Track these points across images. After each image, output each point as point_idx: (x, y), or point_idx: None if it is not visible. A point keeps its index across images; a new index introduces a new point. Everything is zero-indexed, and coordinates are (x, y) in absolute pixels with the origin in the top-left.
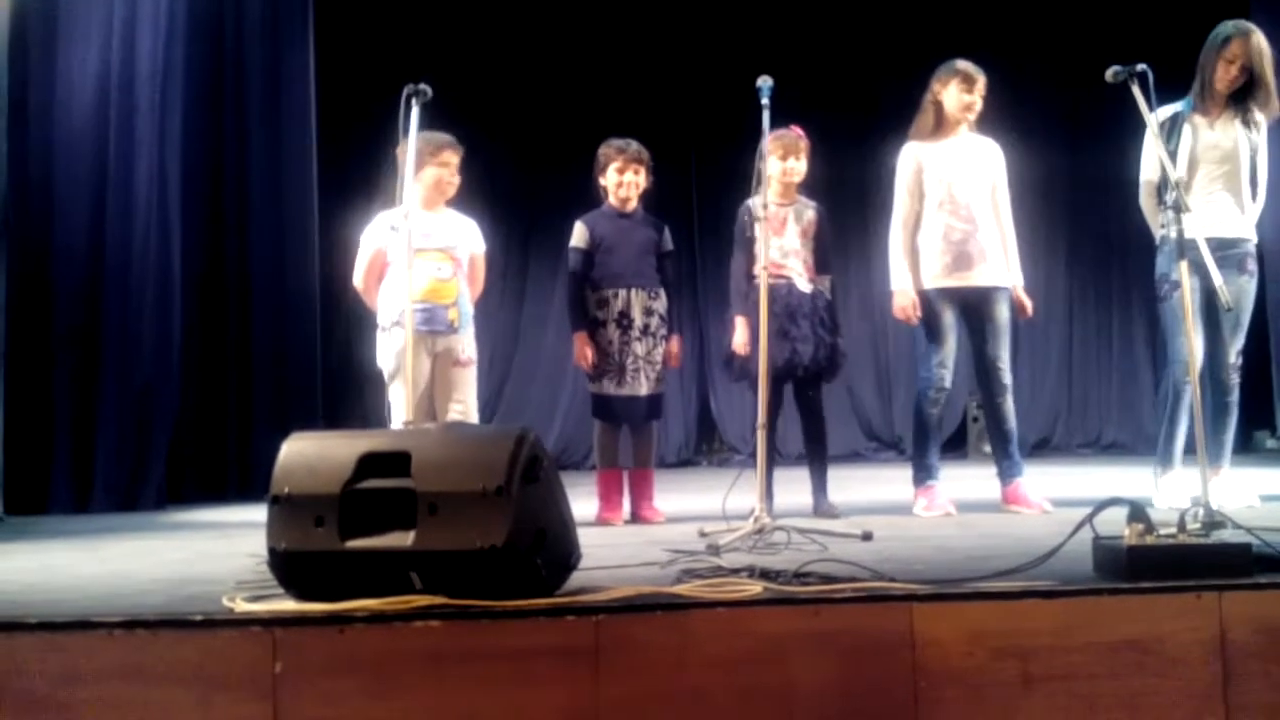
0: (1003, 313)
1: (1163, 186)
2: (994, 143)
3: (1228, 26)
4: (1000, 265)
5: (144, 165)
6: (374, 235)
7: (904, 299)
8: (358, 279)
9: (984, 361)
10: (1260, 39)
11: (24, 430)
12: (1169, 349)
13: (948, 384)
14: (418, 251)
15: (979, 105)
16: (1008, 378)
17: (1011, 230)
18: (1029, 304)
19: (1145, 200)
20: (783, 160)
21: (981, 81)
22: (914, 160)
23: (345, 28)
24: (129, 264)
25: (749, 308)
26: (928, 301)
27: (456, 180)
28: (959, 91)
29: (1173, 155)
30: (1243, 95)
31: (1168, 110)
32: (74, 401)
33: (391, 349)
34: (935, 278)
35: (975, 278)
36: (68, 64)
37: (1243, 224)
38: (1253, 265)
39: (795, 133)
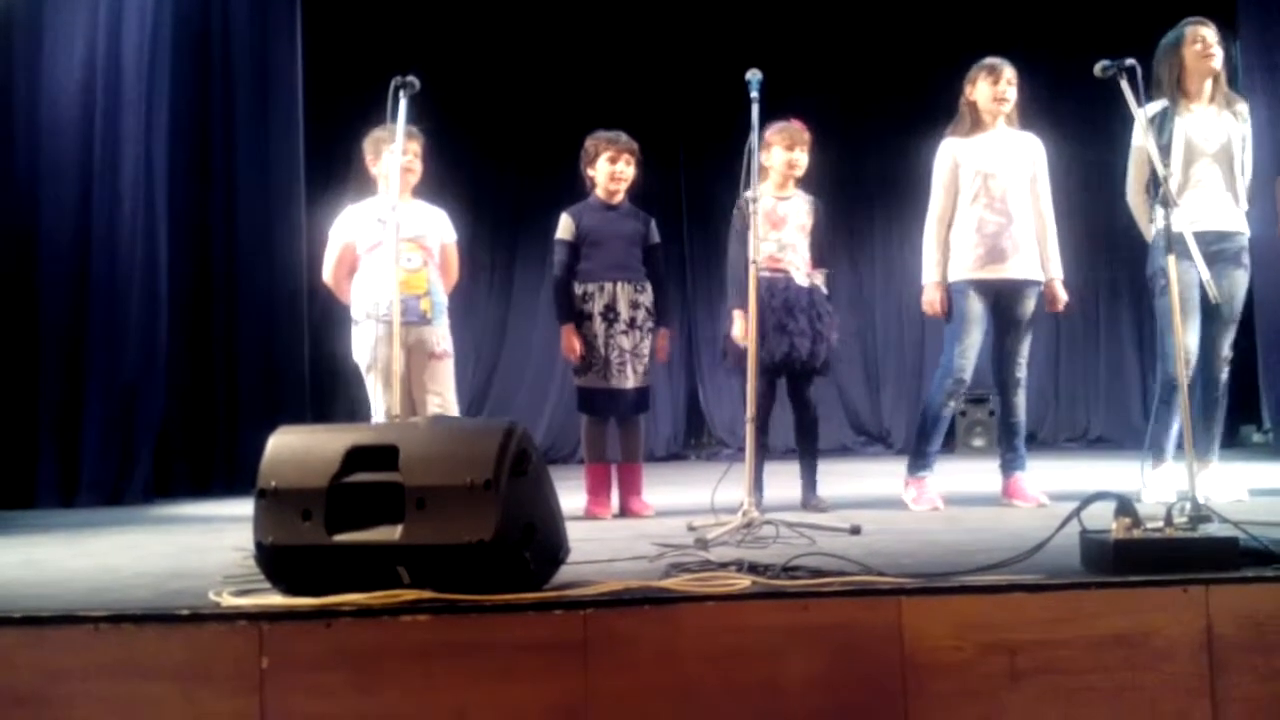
0: (1029, 308)
1: (1152, 182)
2: (1035, 137)
3: (1180, 26)
4: (1034, 259)
5: (130, 159)
6: (342, 229)
7: (932, 292)
8: (327, 274)
9: (1002, 353)
10: (1215, 29)
11: (9, 424)
12: (1163, 344)
13: (966, 376)
14: (383, 243)
15: (1011, 94)
16: (1022, 372)
17: (1052, 223)
18: (1064, 296)
19: (1134, 197)
20: (787, 151)
21: (1008, 72)
22: (950, 155)
23: (332, 22)
24: (115, 258)
25: (748, 300)
26: (957, 292)
27: (418, 168)
28: (987, 84)
29: (1166, 149)
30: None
31: (1157, 105)
32: (60, 395)
33: (365, 342)
34: (967, 269)
35: (1008, 270)
36: (53, 57)
37: (1236, 217)
38: (1246, 258)
39: (797, 125)
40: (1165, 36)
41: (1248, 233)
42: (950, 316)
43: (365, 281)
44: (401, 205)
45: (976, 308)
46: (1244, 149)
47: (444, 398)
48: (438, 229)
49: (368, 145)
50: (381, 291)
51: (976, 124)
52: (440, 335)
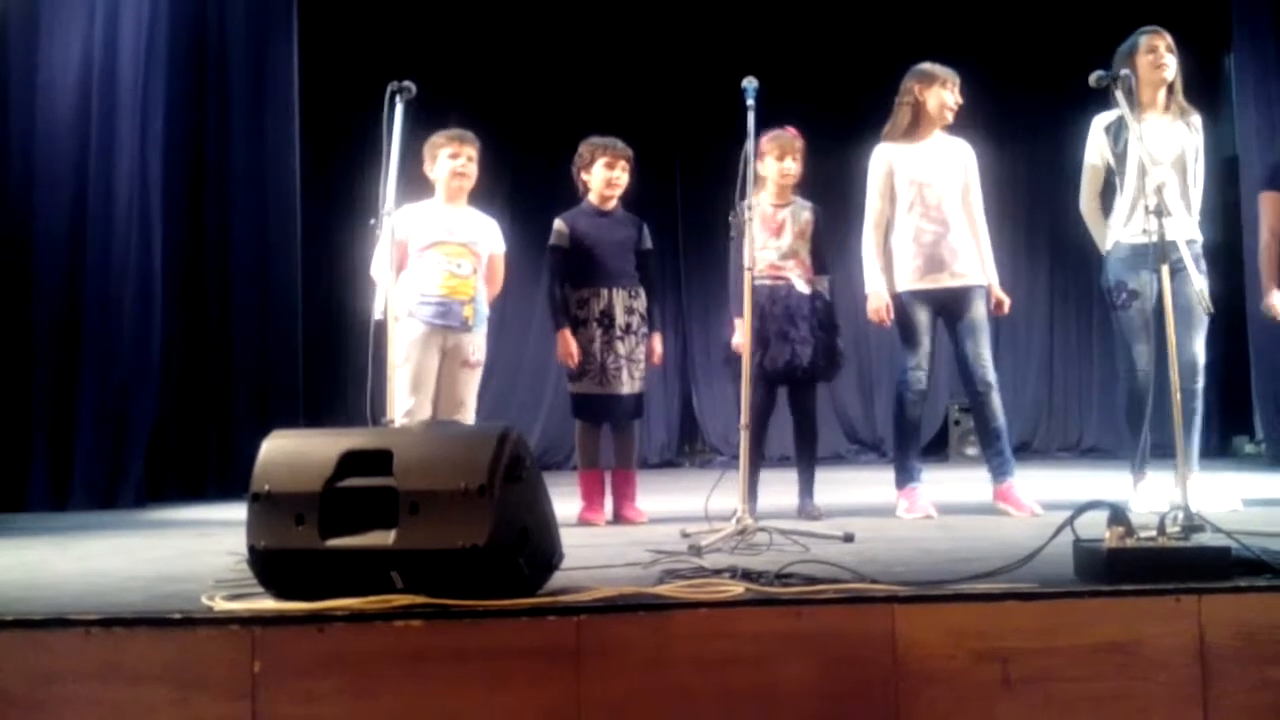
0: (979, 310)
1: (1106, 192)
2: (965, 143)
3: (1134, 35)
4: (974, 264)
5: (125, 162)
6: (396, 227)
7: (877, 301)
8: (375, 268)
9: (965, 360)
10: (1170, 39)
11: (1, 427)
12: (1128, 357)
13: (924, 386)
14: (436, 244)
15: (957, 107)
16: (991, 375)
17: (985, 230)
18: (1005, 299)
19: (1087, 205)
20: (779, 161)
21: (959, 82)
22: (885, 162)
23: (329, 26)
24: (109, 260)
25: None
26: (902, 304)
27: (472, 171)
28: (944, 92)
29: (1121, 158)
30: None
31: (1112, 114)
32: (53, 398)
33: (404, 338)
34: (908, 280)
35: (948, 279)
36: (48, 60)
37: (1189, 225)
38: (1203, 265)
39: (790, 133)
40: (1121, 45)
41: (1201, 239)
42: (899, 329)
43: (414, 280)
44: (455, 210)
45: (922, 318)
46: (1196, 159)
47: (467, 405)
48: (488, 238)
49: (426, 149)
50: (430, 292)
51: (915, 127)
52: (477, 344)
